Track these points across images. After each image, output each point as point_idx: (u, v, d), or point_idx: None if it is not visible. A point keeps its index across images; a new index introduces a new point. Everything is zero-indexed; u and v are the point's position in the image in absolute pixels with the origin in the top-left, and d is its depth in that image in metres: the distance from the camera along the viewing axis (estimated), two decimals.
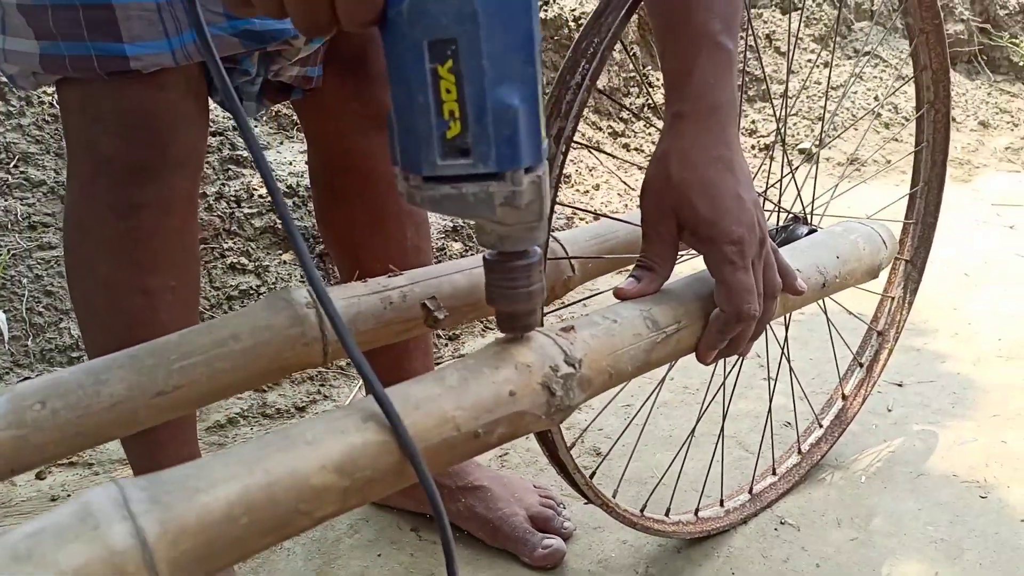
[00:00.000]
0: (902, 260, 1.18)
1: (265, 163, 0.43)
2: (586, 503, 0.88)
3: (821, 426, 1.15)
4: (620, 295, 0.61)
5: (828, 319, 1.09)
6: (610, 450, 1.04)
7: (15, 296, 1.32)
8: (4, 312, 1.29)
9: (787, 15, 2.93)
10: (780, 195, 0.89)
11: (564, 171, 2.16)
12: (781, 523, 1.03)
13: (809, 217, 0.89)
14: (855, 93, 2.96)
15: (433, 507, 0.44)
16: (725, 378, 0.99)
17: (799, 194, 0.89)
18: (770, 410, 1.08)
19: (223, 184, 1.52)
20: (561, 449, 0.76)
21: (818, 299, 0.77)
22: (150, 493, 0.37)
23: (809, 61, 2.95)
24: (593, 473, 0.87)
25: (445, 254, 1.66)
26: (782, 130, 0.84)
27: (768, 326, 0.90)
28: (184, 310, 0.79)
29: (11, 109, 1.47)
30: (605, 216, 0.87)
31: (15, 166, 1.44)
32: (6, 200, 1.40)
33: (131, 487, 0.37)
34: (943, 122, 1.09)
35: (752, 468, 1.09)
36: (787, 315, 1.06)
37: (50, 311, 1.33)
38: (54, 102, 1.52)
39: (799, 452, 1.12)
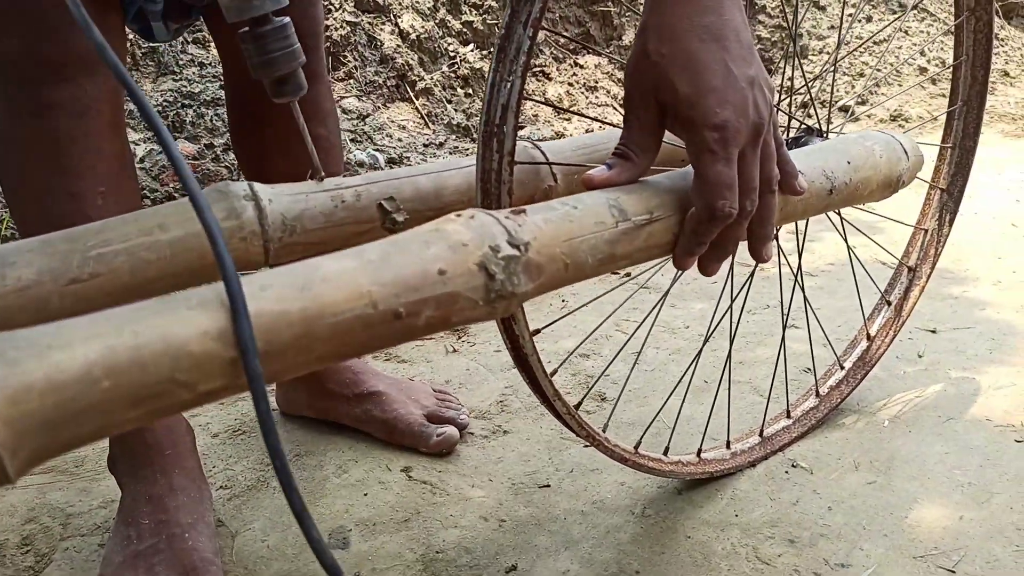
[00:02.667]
0: (936, 188, 1.08)
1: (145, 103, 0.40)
2: (587, 445, 0.83)
3: (843, 367, 1.07)
4: (587, 182, 0.55)
5: (850, 249, 1.01)
6: (619, 396, 0.98)
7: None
8: None
9: None
10: (791, 105, 0.81)
11: (547, 71, 2.10)
12: (792, 466, 0.96)
13: (825, 131, 0.81)
14: (899, 48, 2.80)
15: (261, 425, 0.39)
16: (731, 303, 0.92)
17: (812, 104, 0.81)
18: (783, 341, 1.01)
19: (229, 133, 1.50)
20: (538, 371, 0.70)
21: (826, 209, 0.70)
22: None
23: (849, 15, 2.79)
24: (579, 404, 0.81)
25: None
26: (793, 33, 0.76)
27: (779, 247, 0.83)
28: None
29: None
30: (599, 121, 0.80)
31: None
32: None
33: None
34: (985, 32, 0.99)
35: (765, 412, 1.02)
36: (800, 239, 0.98)
37: None
38: None
39: (817, 395, 1.05)
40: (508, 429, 1.08)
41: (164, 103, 1.61)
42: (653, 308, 0.95)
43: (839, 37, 2.07)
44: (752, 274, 0.87)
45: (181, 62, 1.68)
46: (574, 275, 0.50)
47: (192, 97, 1.59)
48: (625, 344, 0.93)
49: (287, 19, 0.57)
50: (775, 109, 0.57)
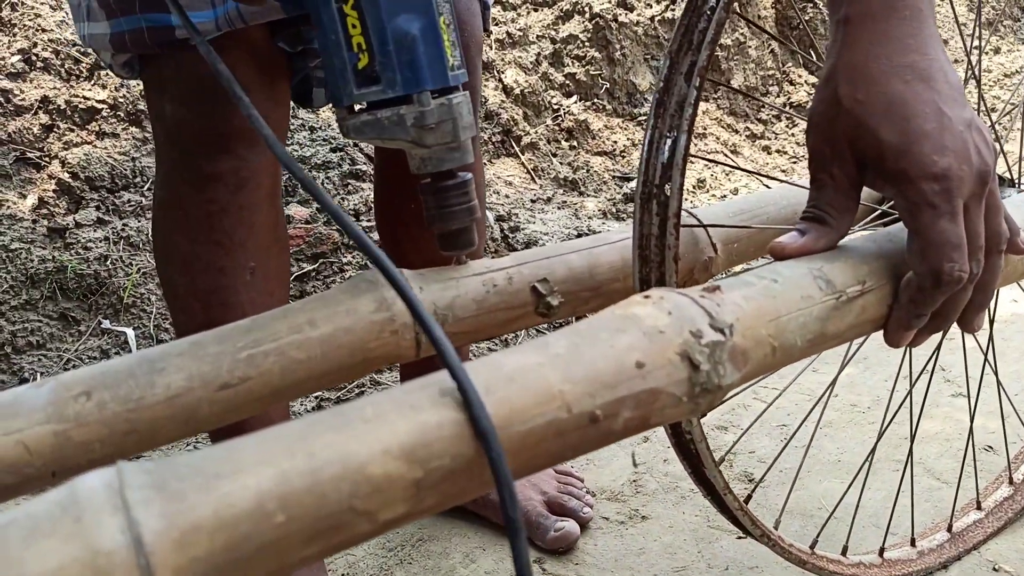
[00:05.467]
0: None
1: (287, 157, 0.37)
2: (740, 537, 0.73)
3: None
4: (777, 252, 0.48)
5: None
6: (764, 475, 0.88)
7: (144, 313, 1.34)
8: (133, 328, 1.31)
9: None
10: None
11: (700, 177, 2.03)
12: (994, 570, 0.82)
13: (1018, 180, 0.72)
14: None
15: (504, 514, 0.32)
16: (911, 388, 0.81)
17: (1002, 150, 0.72)
18: (971, 431, 0.88)
19: (343, 198, 1.51)
20: (708, 464, 0.62)
21: None
22: (155, 477, 0.28)
23: (975, 48, 2.65)
24: (748, 498, 0.72)
25: None
26: (977, 73, 0.68)
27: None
28: (264, 296, 0.75)
29: (147, 135, 1.53)
30: (764, 177, 0.73)
31: (148, 188, 1.49)
32: (139, 221, 1.44)
33: (132, 470, 0.28)
34: None
35: (948, 501, 0.89)
36: (991, 308, 0.86)
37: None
38: None
39: (1010, 482, 0.91)
40: (646, 514, 0.98)
41: None
42: (798, 375, 0.85)
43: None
44: (939, 346, 0.77)
45: (293, 126, 1.73)
46: (782, 360, 0.43)
47: (303, 161, 1.62)
48: (760, 414, 0.83)
49: (469, 175, 0.56)
50: (998, 156, 0.49)
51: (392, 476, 0.31)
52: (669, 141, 0.53)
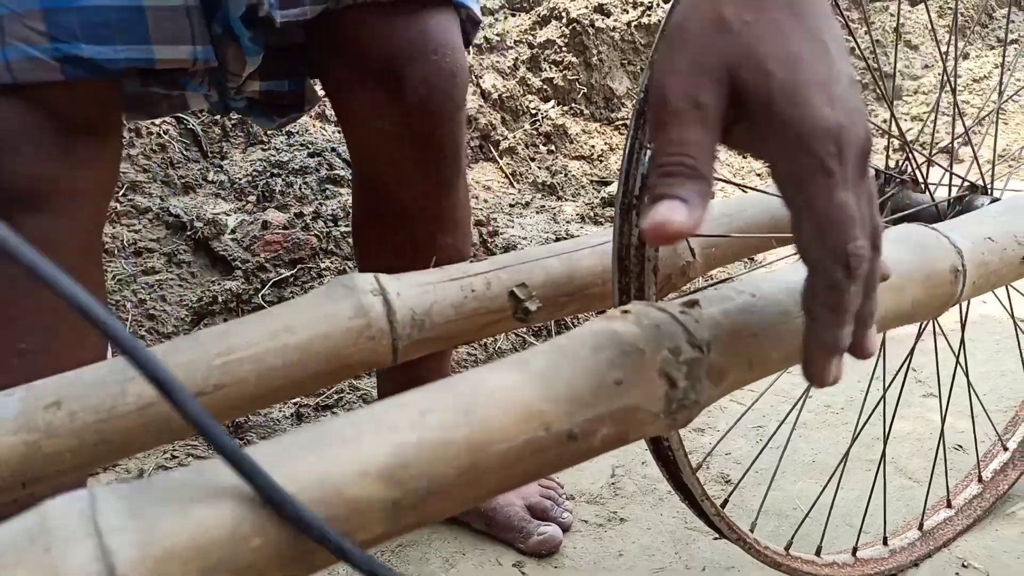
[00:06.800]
0: None
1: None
2: (716, 538, 0.74)
3: (1006, 449, 0.95)
4: (664, 233, 0.34)
5: (1012, 314, 0.90)
6: (743, 477, 0.89)
7: (120, 319, 1.32)
8: None
9: (916, 5, 2.69)
10: (952, 160, 0.73)
11: None
12: (963, 566, 0.84)
13: (990, 186, 0.73)
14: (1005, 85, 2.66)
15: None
16: (885, 391, 0.82)
17: (976, 158, 0.73)
18: (943, 431, 0.90)
19: (320, 203, 1.49)
20: (685, 470, 0.63)
21: (1016, 279, 0.61)
22: (130, 502, 0.28)
23: (945, 53, 2.68)
24: (725, 502, 0.72)
25: None
26: (950, 78, 0.68)
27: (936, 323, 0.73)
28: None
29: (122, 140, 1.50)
30: (735, 184, 0.73)
31: (123, 194, 1.47)
32: (114, 227, 1.42)
33: (106, 494, 0.28)
34: None
35: (919, 500, 0.91)
36: (964, 304, 0.88)
37: (152, 335, 1.32)
38: (160, 132, 1.55)
39: (979, 480, 0.93)
40: (624, 516, 0.99)
41: (254, 172, 1.62)
42: (775, 380, 0.86)
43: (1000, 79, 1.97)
44: (912, 351, 0.78)
45: (269, 132, 1.71)
46: (759, 374, 0.43)
47: (281, 166, 1.60)
48: (740, 418, 0.84)
49: None
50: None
51: (371, 498, 0.31)
52: (649, 152, 0.53)
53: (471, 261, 0.60)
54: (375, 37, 0.69)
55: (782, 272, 0.47)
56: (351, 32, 0.69)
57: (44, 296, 0.53)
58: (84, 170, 0.64)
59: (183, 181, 1.56)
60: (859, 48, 1.13)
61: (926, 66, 2.64)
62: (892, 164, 0.70)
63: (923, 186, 0.68)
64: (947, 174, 0.68)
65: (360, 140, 0.79)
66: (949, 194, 0.70)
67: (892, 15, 2.67)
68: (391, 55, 0.69)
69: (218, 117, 1.64)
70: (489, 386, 0.35)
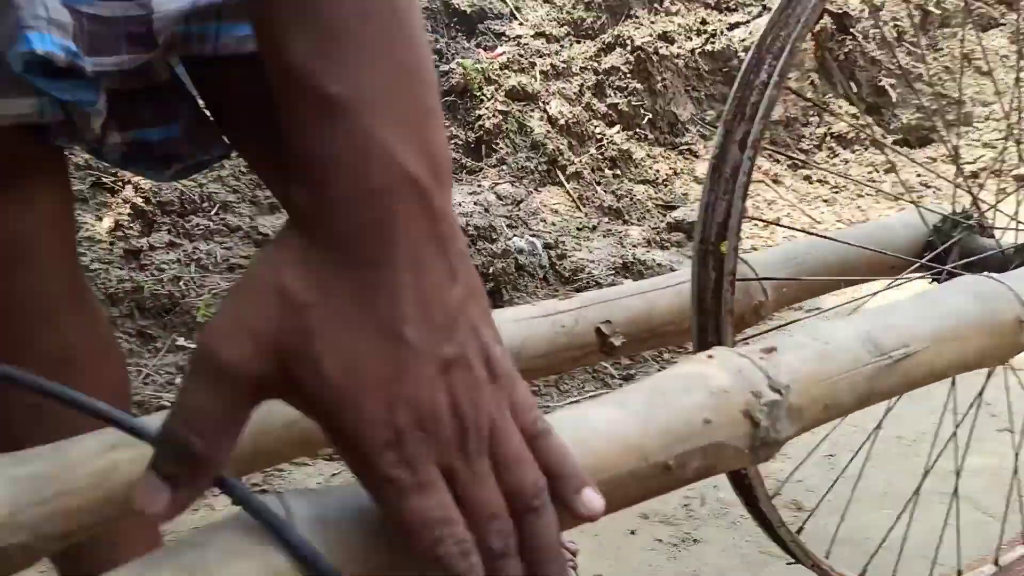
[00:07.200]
0: None
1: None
2: (790, 563, 0.77)
3: None
4: (141, 511, 0.31)
5: None
6: (818, 505, 0.91)
7: None
8: None
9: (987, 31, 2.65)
10: (1018, 208, 0.75)
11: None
12: None
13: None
14: None
15: None
16: (956, 427, 0.84)
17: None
18: (1016, 467, 0.91)
19: None
20: (763, 499, 0.67)
21: None
22: None
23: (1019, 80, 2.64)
24: (800, 529, 0.76)
25: None
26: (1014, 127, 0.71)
27: None
28: None
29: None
30: (805, 232, 0.77)
31: (215, 213, 1.58)
32: (208, 244, 1.53)
33: None
34: None
35: (994, 535, 0.91)
36: None
37: None
38: None
39: None
40: (698, 538, 1.02)
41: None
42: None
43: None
44: (981, 392, 0.80)
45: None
46: (833, 415, 0.48)
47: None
48: (815, 448, 0.87)
49: None
50: (515, 381, 0.35)
51: None
52: (724, 204, 0.58)
53: (539, 285, 0.65)
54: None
55: (853, 321, 0.51)
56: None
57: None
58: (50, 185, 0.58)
59: (269, 201, 1.67)
60: (927, 76, 1.15)
61: (997, 92, 2.60)
62: (959, 208, 0.73)
63: (989, 231, 0.71)
64: (1013, 221, 0.71)
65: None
66: (1016, 239, 0.72)
67: (960, 41, 2.64)
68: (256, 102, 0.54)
69: None
70: (595, 421, 0.41)
